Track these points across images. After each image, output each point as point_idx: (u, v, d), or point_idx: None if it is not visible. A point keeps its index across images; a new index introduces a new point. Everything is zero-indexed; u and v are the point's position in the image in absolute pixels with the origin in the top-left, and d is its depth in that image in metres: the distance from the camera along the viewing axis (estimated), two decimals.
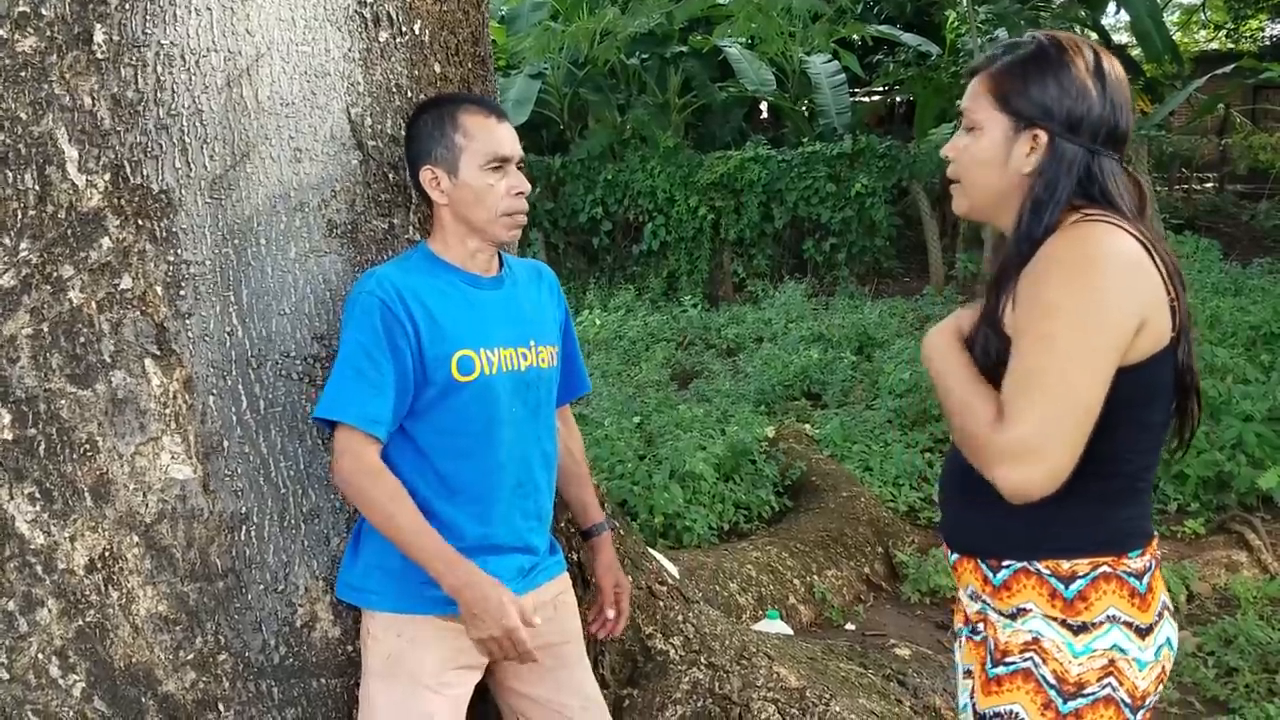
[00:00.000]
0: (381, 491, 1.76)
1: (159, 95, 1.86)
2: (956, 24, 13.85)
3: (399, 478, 1.80)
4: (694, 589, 3.52)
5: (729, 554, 4.28)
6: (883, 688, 2.97)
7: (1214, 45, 19.74)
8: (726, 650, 2.63)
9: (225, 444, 1.91)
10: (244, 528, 1.92)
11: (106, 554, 1.86)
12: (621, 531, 2.70)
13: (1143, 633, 1.48)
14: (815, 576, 4.27)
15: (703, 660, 2.58)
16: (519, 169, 1.90)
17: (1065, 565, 1.49)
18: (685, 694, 2.51)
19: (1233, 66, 13.41)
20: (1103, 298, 1.37)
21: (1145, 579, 1.50)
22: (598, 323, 10.40)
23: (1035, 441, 1.35)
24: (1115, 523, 1.50)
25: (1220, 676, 3.48)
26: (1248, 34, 19.00)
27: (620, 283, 12.75)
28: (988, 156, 1.54)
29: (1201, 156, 14.53)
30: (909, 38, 13.75)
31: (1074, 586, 1.48)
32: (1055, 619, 1.49)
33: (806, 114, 14.24)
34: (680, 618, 2.65)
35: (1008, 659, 1.53)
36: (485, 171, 1.84)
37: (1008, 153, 1.52)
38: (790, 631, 3.74)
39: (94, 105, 1.83)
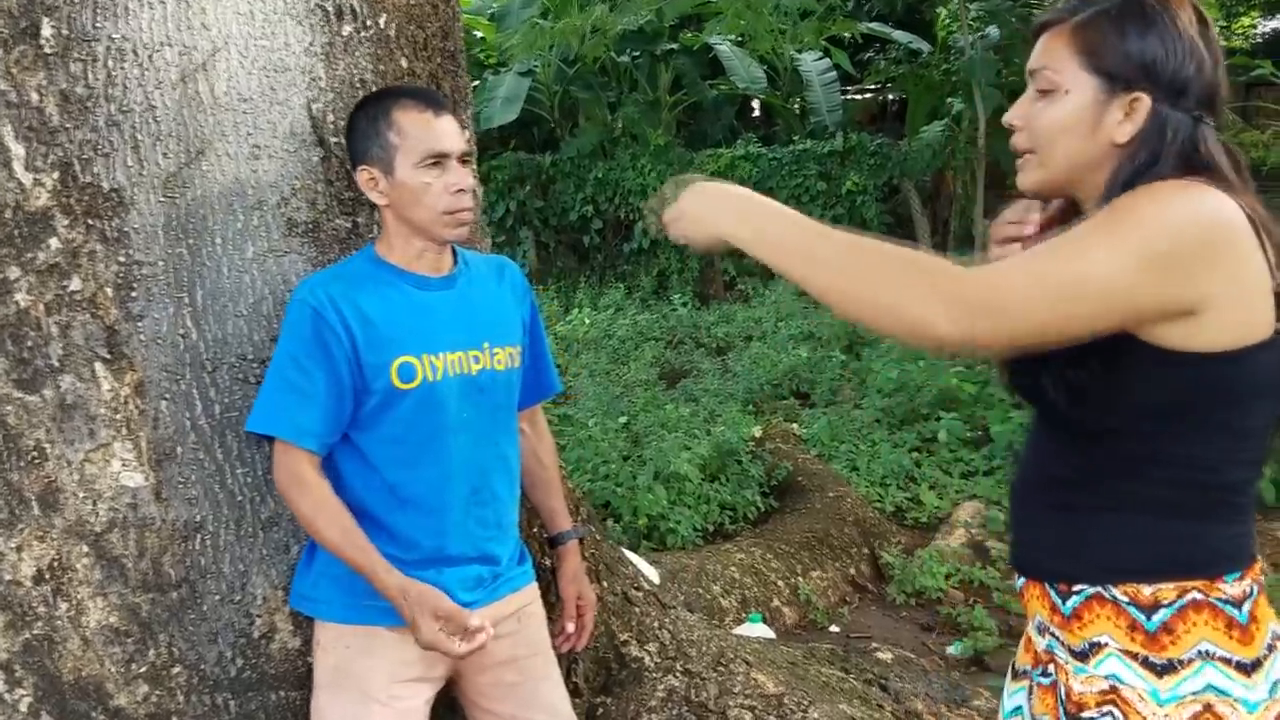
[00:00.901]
0: (308, 502, 1.72)
1: (110, 91, 1.80)
2: (948, 21, 13.79)
3: (348, 490, 1.76)
4: (674, 593, 3.48)
5: (713, 556, 4.23)
6: (864, 692, 2.92)
7: None
8: (703, 657, 2.59)
9: (178, 450, 1.85)
10: (198, 536, 1.86)
11: (55, 564, 1.80)
12: (597, 537, 2.65)
13: (1247, 669, 1.25)
14: (800, 578, 4.23)
15: (679, 667, 2.53)
16: (464, 163, 1.82)
17: (1147, 591, 1.28)
18: (660, 702, 2.46)
19: (1225, 63, 13.40)
20: (1176, 244, 1.17)
21: (1245, 607, 1.27)
22: (587, 321, 10.36)
23: (985, 306, 1.17)
24: (1209, 541, 1.29)
25: None
26: (1239, 31, 19.00)
27: (611, 281, 12.71)
28: (1073, 122, 1.31)
29: None
30: (900, 35, 13.71)
31: (1158, 617, 1.27)
32: (1135, 656, 1.28)
33: (798, 112, 14.20)
34: (656, 624, 2.60)
35: (1084, 714, 1.30)
36: (421, 169, 1.76)
37: (1098, 118, 1.30)
38: (772, 635, 3.69)
39: (42, 101, 1.77)
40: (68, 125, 1.78)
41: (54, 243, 1.78)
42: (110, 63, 1.80)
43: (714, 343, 9.25)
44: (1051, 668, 1.38)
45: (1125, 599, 1.28)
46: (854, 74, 14.38)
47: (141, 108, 1.82)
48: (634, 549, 4.16)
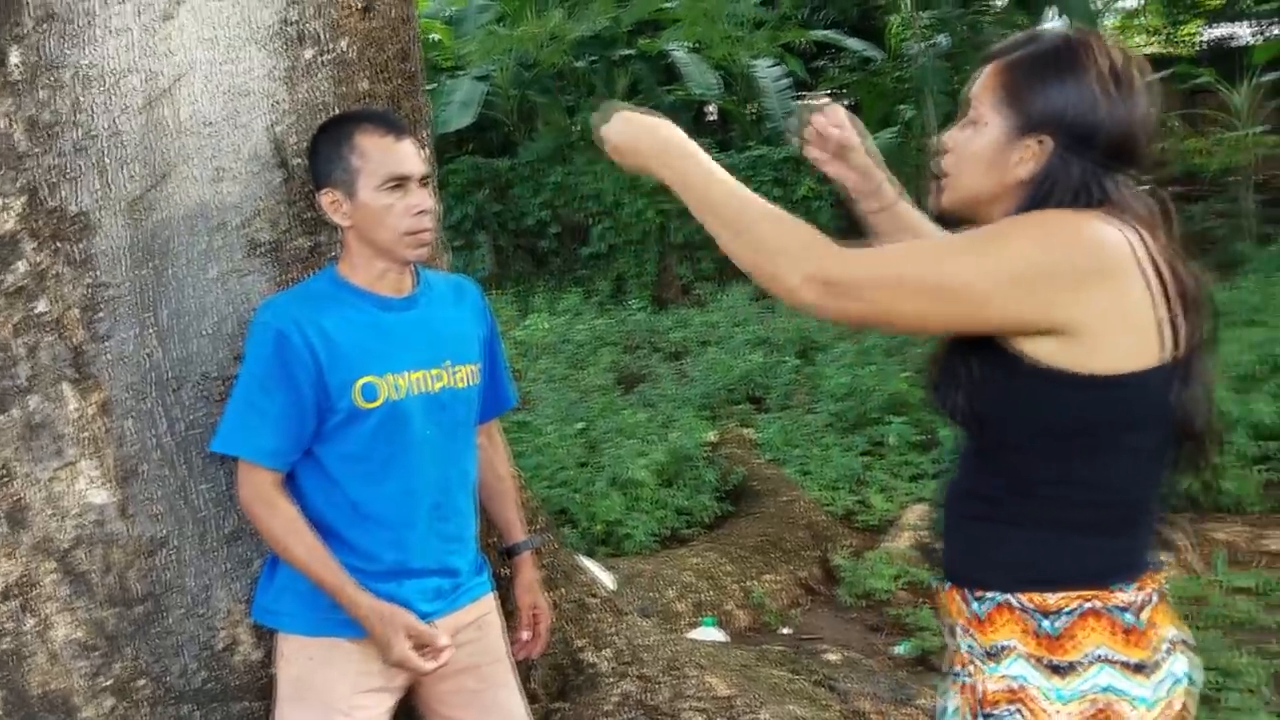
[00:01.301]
0: (278, 522, 1.77)
1: (76, 117, 1.85)
2: (899, 29, 14.00)
3: (310, 504, 1.81)
4: (630, 597, 3.55)
5: (668, 561, 4.31)
6: (812, 693, 3.01)
7: (1151, 50, 20.17)
8: (657, 661, 2.67)
9: (143, 467, 1.90)
10: (163, 552, 1.91)
11: (22, 580, 1.84)
12: (555, 545, 2.72)
13: (1140, 669, 1.34)
14: (753, 581, 4.32)
15: (633, 672, 2.61)
16: (424, 186, 1.87)
17: (1050, 599, 1.36)
18: (616, 706, 2.53)
19: (1169, 71, 13.73)
20: (1037, 222, 1.28)
21: (1139, 613, 1.35)
22: (545, 326, 10.40)
23: (832, 275, 1.30)
24: (1104, 555, 1.37)
25: None
26: (1183, 39, 19.43)
27: (568, 285, 12.75)
28: (985, 156, 1.39)
29: None
30: (853, 43, 13.90)
31: (1058, 622, 1.35)
32: (1038, 659, 1.36)
33: (752, 118, 14.34)
34: (611, 630, 2.68)
35: (994, 712, 1.38)
36: (383, 192, 1.81)
37: (1006, 155, 1.37)
38: (725, 638, 3.78)
39: (9, 127, 1.81)
40: (35, 150, 1.82)
41: (21, 265, 1.83)
42: (77, 89, 1.84)
43: (670, 347, 9.34)
44: (972, 668, 1.45)
45: (1029, 606, 1.36)
46: (808, 81, 14.54)
47: (107, 133, 1.87)
48: (591, 554, 4.23)
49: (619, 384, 8.00)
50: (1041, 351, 1.30)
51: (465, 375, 1.96)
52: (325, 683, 1.84)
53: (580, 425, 6.03)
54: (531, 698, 2.48)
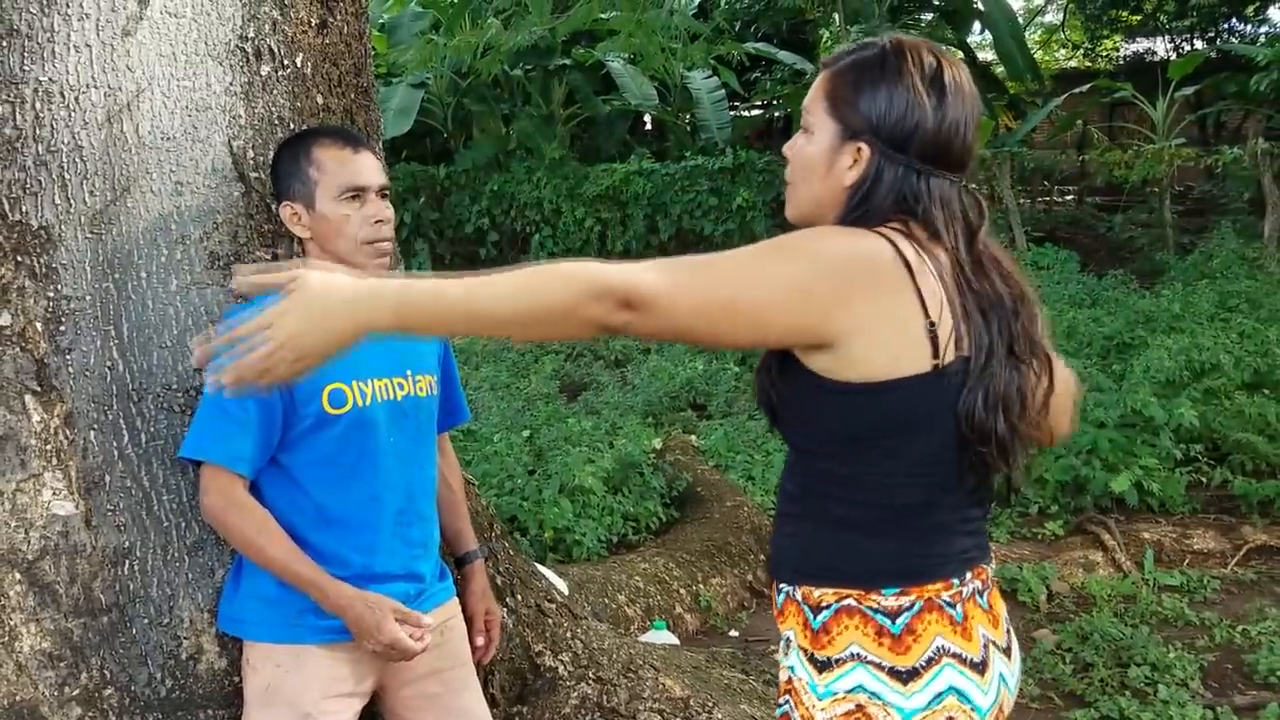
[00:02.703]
0: (250, 525, 1.80)
1: (38, 132, 1.85)
2: (830, 43, 14.27)
3: (275, 512, 1.83)
4: (583, 603, 3.60)
5: (618, 566, 4.37)
6: (763, 693, 3.09)
7: (1073, 64, 20.75)
8: (614, 664, 2.72)
9: (107, 479, 1.91)
10: (127, 562, 1.92)
11: None
12: (510, 551, 2.76)
13: (901, 676, 1.34)
14: (701, 585, 4.40)
15: (591, 675, 2.66)
16: (382, 197, 1.91)
17: (815, 593, 1.40)
18: (574, 709, 2.58)
19: (1090, 85, 14.15)
20: (799, 237, 1.30)
21: (901, 620, 1.36)
22: None
23: (626, 287, 1.21)
24: (871, 556, 1.38)
25: (1077, 671, 3.70)
26: (1104, 53, 20.02)
27: None
28: (815, 164, 1.42)
29: (1061, 170, 15.27)
30: (785, 56, 14.12)
31: (820, 616, 1.38)
32: (805, 651, 1.40)
33: (688, 128, 14.48)
34: (569, 634, 2.72)
35: (780, 700, 1.46)
36: (341, 202, 1.85)
37: (832, 162, 1.40)
38: (676, 641, 3.84)
39: None
40: None
41: None
42: (38, 104, 1.85)
43: (612, 355, 9.39)
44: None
45: (801, 598, 1.41)
46: (741, 93, 14.74)
47: (69, 147, 1.88)
48: (541, 561, 4.26)
49: (563, 392, 8.04)
50: (817, 364, 1.34)
51: (425, 385, 2.00)
52: (294, 689, 1.86)
53: (526, 433, 6.06)
54: (491, 702, 2.52)
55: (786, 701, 1.42)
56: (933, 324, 1.32)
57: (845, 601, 1.37)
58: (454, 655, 2.07)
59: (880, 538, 1.38)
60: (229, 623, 1.94)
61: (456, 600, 2.13)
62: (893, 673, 1.34)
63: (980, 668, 1.38)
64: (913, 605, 1.36)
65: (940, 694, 1.34)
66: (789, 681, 1.42)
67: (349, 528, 1.88)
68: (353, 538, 1.88)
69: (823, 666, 1.37)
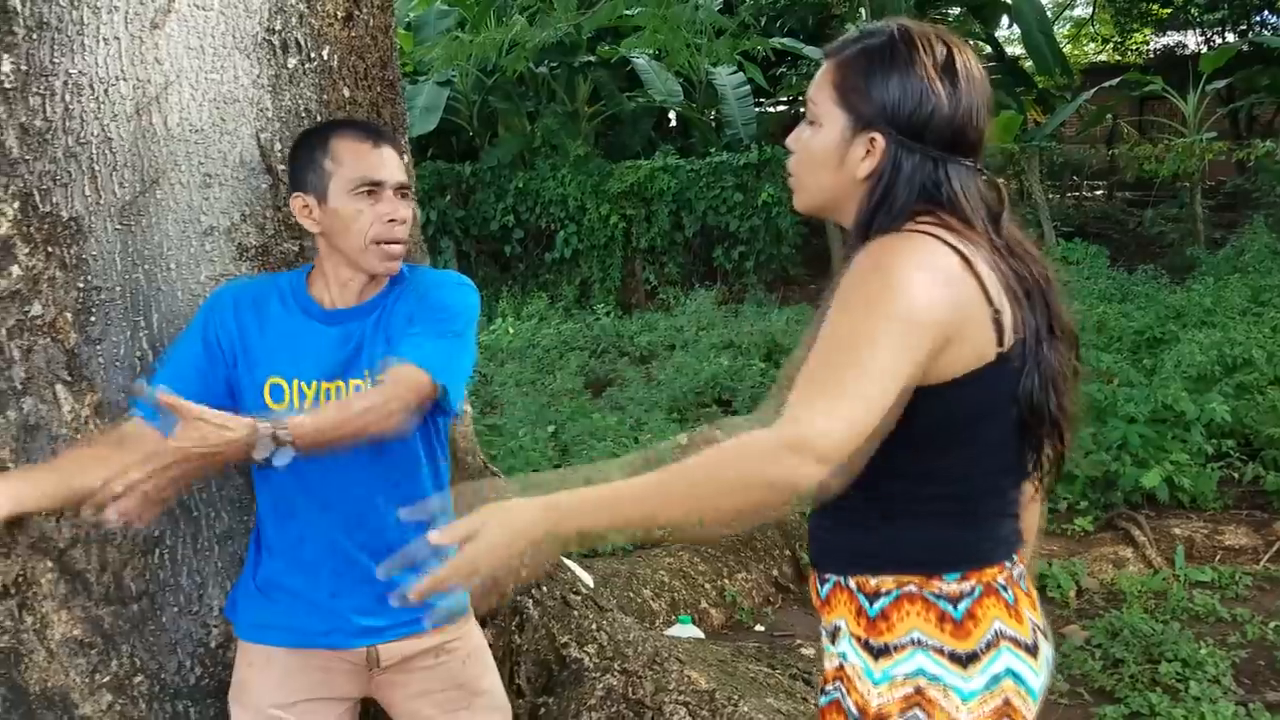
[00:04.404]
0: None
1: (68, 124, 1.87)
2: None
3: (259, 506, 1.85)
4: (608, 597, 3.60)
5: (643, 561, 4.37)
6: (789, 687, 3.08)
7: (1102, 58, 20.55)
8: (639, 656, 2.72)
9: None
10: (157, 551, 1.94)
11: (20, 580, 1.86)
12: None
13: (961, 660, 1.35)
14: (726, 580, 4.39)
15: (616, 667, 2.65)
16: (402, 196, 1.80)
17: (872, 581, 1.39)
18: (600, 700, 2.58)
19: (1119, 79, 14.01)
20: (898, 298, 1.25)
21: (962, 605, 1.37)
22: (510, 331, 10.42)
23: (816, 432, 1.19)
24: (934, 543, 1.39)
25: (1107, 667, 3.66)
26: (1133, 47, 19.82)
27: (533, 290, 12.78)
28: (825, 155, 1.39)
29: (1091, 165, 15.11)
30: (810, 51, 14.01)
31: (877, 604, 1.38)
32: (859, 639, 1.39)
33: (713, 124, 14.45)
34: (594, 626, 2.73)
35: (826, 687, 1.44)
36: (354, 197, 1.75)
37: (844, 153, 1.37)
38: (701, 635, 3.84)
39: (2, 134, 1.84)
40: (27, 157, 1.85)
41: (15, 270, 1.85)
42: (68, 97, 1.87)
43: (637, 351, 9.40)
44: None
45: (855, 587, 1.40)
46: (767, 88, 14.68)
47: (98, 139, 1.90)
48: (566, 555, 4.27)
49: (587, 388, 8.05)
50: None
51: None
52: (259, 689, 1.83)
53: (551, 429, 6.07)
54: (517, 693, 2.53)
55: (836, 689, 1.41)
56: (997, 312, 1.32)
57: (906, 588, 1.37)
58: (448, 678, 1.93)
59: (945, 525, 1.39)
60: (230, 607, 1.93)
61: (464, 624, 1.97)
62: (953, 657, 1.35)
63: (1033, 650, 1.40)
64: (973, 590, 1.37)
65: (998, 676, 1.35)
66: (840, 669, 1.41)
67: (296, 526, 1.80)
68: (297, 540, 1.80)
69: (879, 653, 1.37)
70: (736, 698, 2.70)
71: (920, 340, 1.26)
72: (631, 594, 3.99)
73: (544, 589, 2.67)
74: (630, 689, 2.61)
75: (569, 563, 3.19)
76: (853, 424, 1.21)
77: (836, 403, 1.21)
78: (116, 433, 1.75)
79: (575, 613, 2.70)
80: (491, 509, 1.27)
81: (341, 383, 1.78)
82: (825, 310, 1.31)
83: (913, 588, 1.37)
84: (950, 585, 1.37)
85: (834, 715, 1.40)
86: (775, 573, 4.61)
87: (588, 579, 3.21)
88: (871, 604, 1.38)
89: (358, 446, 1.70)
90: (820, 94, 1.40)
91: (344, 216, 1.75)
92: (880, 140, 1.35)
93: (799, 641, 3.83)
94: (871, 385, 1.22)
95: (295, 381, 1.77)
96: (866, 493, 1.36)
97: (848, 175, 1.38)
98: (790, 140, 1.45)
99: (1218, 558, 4.63)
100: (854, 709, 1.37)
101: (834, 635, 1.43)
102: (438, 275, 1.94)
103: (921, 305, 1.26)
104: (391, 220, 1.76)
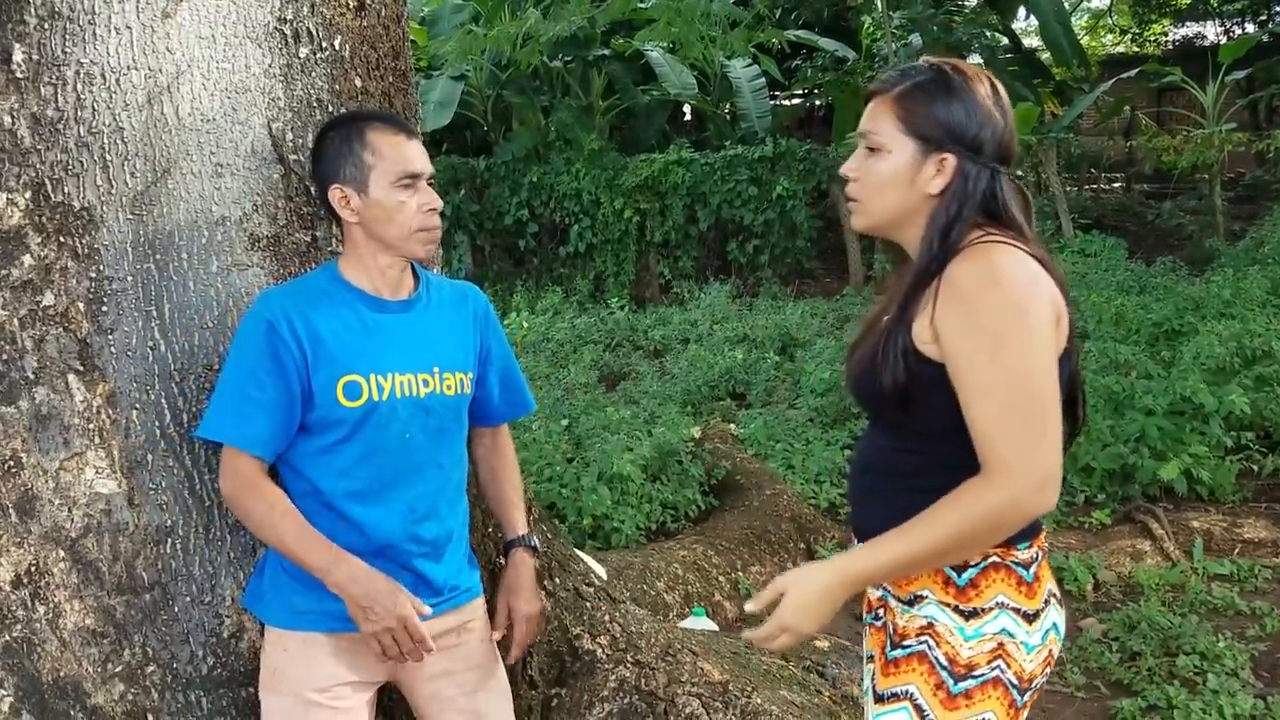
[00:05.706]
0: (263, 504, 1.79)
1: (79, 113, 1.87)
2: (872, 29, 14.12)
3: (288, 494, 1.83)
4: (622, 589, 3.59)
5: (656, 553, 4.36)
6: (803, 679, 3.07)
7: (1120, 49, 20.41)
8: (652, 648, 2.71)
9: (149, 458, 1.92)
10: (169, 540, 1.94)
11: (32, 569, 1.86)
12: (549, 534, 2.76)
13: (1030, 618, 1.59)
14: (740, 573, 4.38)
15: (629, 658, 2.65)
16: (430, 185, 1.90)
17: None
18: (612, 691, 2.57)
19: (1137, 70, 13.90)
20: (1029, 311, 1.48)
21: (1032, 569, 1.61)
22: (525, 325, 10.43)
23: (1048, 467, 1.46)
24: None
25: (1124, 660, 3.64)
26: (1151, 38, 19.67)
27: (547, 284, 12.79)
28: (896, 178, 1.60)
29: (1109, 157, 15.02)
30: (826, 43, 14.00)
31: (966, 575, 1.59)
32: (948, 605, 1.60)
33: (728, 117, 14.41)
34: (607, 617, 2.72)
35: (905, 642, 1.63)
36: (396, 189, 1.84)
37: (915, 174, 1.58)
38: (715, 628, 3.83)
39: (13, 124, 1.83)
40: (39, 147, 1.85)
41: (27, 260, 1.85)
42: (79, 86, 1.87)
43: (651, 345, 9.39)
44: (883, 611, 1.73)
45: None
46: (782, 81, 14.64)
47: (110, 129, 1.89)
48: (580, 548, 4.27)
49: (601, 381, 8.05)
50: None
51: (454, 383, 1.95)
52: (298, 677, 1.85)
53: (565, 422, 6.07)
54: (530, 684, 2.53)
55: (923, 642, 1.61)
56: (1068, 307, 1.56)
57: (991, 559, 1.58)
58: (469, 657, 2.00)
59: None
60: (252, 598, 1.94)
61: (479, 603, 2.06)
62: (1024, 615, 1.59)
63: (1061, 603, 1.68)
64: (1036, 556, 1.62)
65: (1047, 630, 1.61)
66: (929, 626, 1.61)
67: (351, 522, 1.84)
68: (355, 533, 1.84)
69: (969, 615, 1.58)
70: (750, 689, 2.69)
71: (1052, 337, 1.50)
72: (645, 586, 3.99)
73: (557, 580, 2.66)
74: (643, 680, 2.60)
75: (582, 555, 3.18)
76: (1058, 444, 1.48)
77: (1044, 440, 1.46)
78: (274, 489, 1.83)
79: (588, 604, 2.70)
80: (789, 577, 1.59)
81: (427, 374, 1.90)
82: (904, 305, 1.57)
83: (995, 558, 1.59)
84: (1023, 553, 1.60)
85: (914, 663, 1.61)
86: (789, 565, 4.59)
87: (601, 571, 3.20)
88: (960, 574, 1.59)
89: (444, 429, 1.92)
90: (882, 125, 1.61)
91: (387, 207, 1.84)
92: (951, 159, 1.57)
93: (813, 634, 3.81)
94: (1053, 406, 1.48)
95: (373, 376, 1.84)
96: (954, 474, 1.52)
97: (918, 193, 1.59)
98: (849, 169, 1.65)
99: (1236, 550, 4.59)
100: (943, 659, 1.58)
101: (911, 602, 1.63)
102: (486, 302, 2.11)
103: (1044, 310, 1.50)
104: (431, 209, 1.87)
